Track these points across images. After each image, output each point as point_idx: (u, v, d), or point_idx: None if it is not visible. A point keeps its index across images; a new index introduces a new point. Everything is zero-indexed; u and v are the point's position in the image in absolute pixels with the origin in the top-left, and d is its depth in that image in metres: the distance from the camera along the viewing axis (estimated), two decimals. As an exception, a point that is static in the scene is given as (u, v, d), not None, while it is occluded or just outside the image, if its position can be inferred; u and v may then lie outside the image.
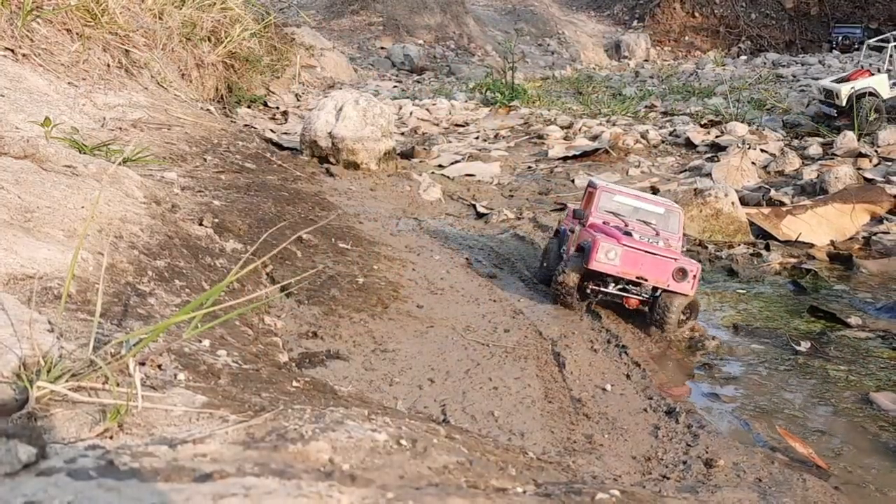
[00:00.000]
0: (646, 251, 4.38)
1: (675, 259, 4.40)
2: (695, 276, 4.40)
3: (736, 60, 19.68)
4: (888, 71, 9.95)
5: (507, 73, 15.07)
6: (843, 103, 9.57)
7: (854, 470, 3.17)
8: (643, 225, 4.72)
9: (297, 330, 3.65)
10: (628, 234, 4.52)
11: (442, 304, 4.39)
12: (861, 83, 9.62)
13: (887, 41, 10.50)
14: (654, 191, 8.39)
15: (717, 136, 10.75)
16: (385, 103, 9.56)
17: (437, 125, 12.19)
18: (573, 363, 3.90)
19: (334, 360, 3.45)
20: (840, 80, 9.92)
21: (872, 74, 9.86)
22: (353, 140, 7.70)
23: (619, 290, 4.51)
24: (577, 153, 10.09)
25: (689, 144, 10.44)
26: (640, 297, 4.51)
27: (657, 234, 4.66)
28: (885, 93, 9.71)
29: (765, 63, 18.57)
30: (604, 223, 4.69)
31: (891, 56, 10.16)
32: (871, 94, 9.52)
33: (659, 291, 4.46)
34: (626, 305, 4.57)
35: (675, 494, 2.64)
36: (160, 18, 7.50)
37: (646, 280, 4.39)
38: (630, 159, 9.87)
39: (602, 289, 4.52)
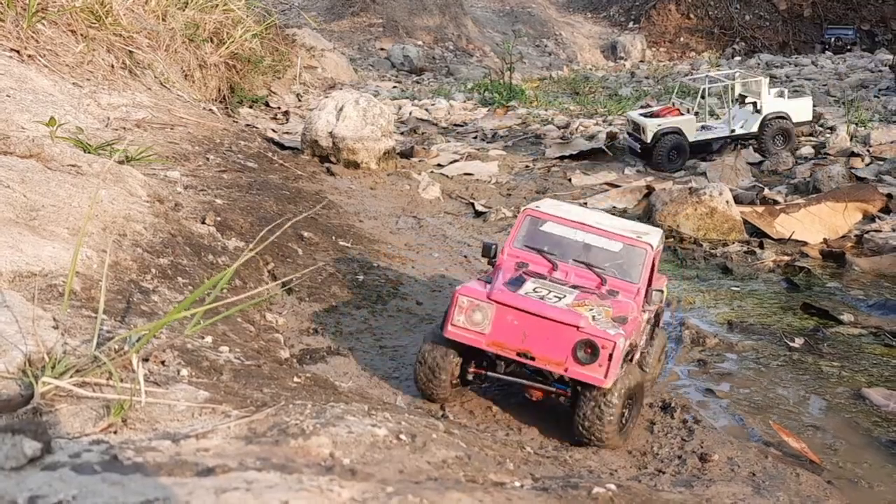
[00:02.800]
0: (532, 313, 2.80)
1: (578, 327, 2.78)
2: (611, 354, 2.73)
3: (730, 61, 19.81)
4: (696, 113, 9.64)
5: (505, 74, 15.12)
6: (648, 140, 9.24)
7: (846, 464, 3.21)
8: (582, 269, 3.12)
9: (298, 326, 3.67)
10: (523, 281, 2.96)
11: (441, 302, 4.41)
12: (668, 122, 9.27)
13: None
14: (651, 190, 8.44)
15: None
16: (385, 103, 9.60)
17: (436, 125, 12.23)
18: (570, 360, 3.92)
19: (335, 356, 3.47)
20: (649, 115, 9.61)
21: (681, 113, 9.52)
22: (354, 140, 7.75)
23: (511, 373, 3.04)
24: (574, 152, 10.15)
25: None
26: (546, 389, 3.00)
27: (600, 285, 3.08)
28: (691, 135, 9.35)
29: (759, 64, 18.69)
30: (517, 265, 3.13)
31: (701, 98, 9.68)
32: (676, 133, 9.18)
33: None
34: (530, 398, 3.10)
35: (670, 488, 2.68)
36: (163, 20, 7.53)
37: (532, 359, 2.85)
38: (626, 158, 9.93)
39: (489, 372, 3.06)
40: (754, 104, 9.75)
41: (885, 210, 7.55)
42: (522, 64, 18.42)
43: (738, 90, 9.93)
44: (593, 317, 2.88)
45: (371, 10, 20.63)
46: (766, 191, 8.37)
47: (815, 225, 7.25)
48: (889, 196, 7.73)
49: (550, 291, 2.96)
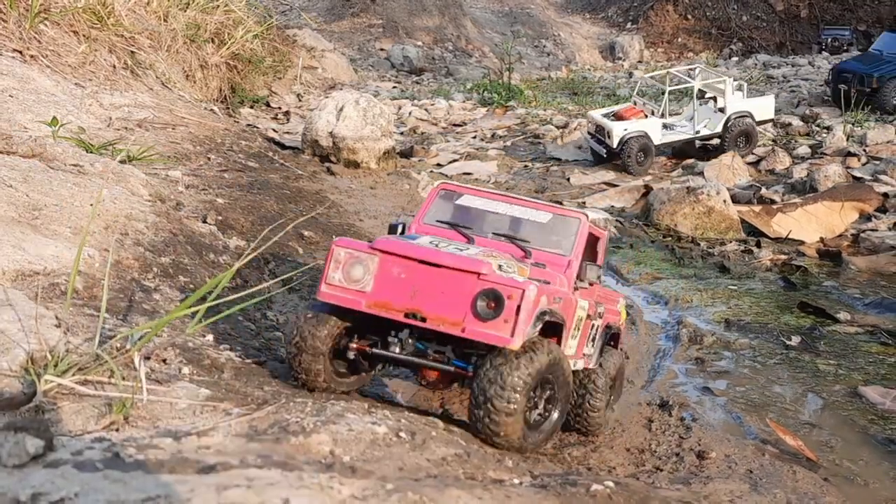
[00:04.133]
0: (424, 261, 2.24)
1: (479, 274, 2.19)
2: (519, 307, 2.13)
3: (728, 62, 19.87)
4: (662, 114, 9.41)
5: (504, 74, 15.15)
6: (615, 145, 9.00)
7: (843, 462, 3.23)
8: (503, 243, 2.63)
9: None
10: (418, 238, 2.46)
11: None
12: (634, 126, 9.06)
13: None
14: (649, 190, 8.47)
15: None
16: (385, 103, 9.64)
17: (436, 125, 12.27)
18: (568, 359, 3.95)
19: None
20: (612, 116, 9.33)
21: (646, 115, 9.28)
22: (354, 139, 7.78)
23: (408, 352, 2.34)
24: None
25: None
26: (441, 367, 2.32)
27: (524, 258, 2.57)
28: (657, 138, 9.20)
29: (756, 64, 18.75)
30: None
31: (667, 101, 9.46)
32: (642, 136, 9.03)
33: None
34: (424, 383, 2.48)
35: (668, 486, 2.70)
36: (165, 20, 7.57)
37: (423, 320, 2.22)
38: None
39: (376, 350, 2.37)
40: (714, 99, 9.55)
41: (882, 209, 7.59)
42: (521, 64, 18.45)
43: (699, 87, 9.74)
44: (500, 266, 2.30)
45: (371, 10, 20.66)
46: (764, 190, 8.41)
47: (811, 224, 7.28)
48: (885, 195, 7.77)
49: (452, 244, 2.42)
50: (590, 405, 2.94)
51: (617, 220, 7.76)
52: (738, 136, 9.43)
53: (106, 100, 5.28)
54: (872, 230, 7.09)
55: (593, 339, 2.92)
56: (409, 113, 12.67)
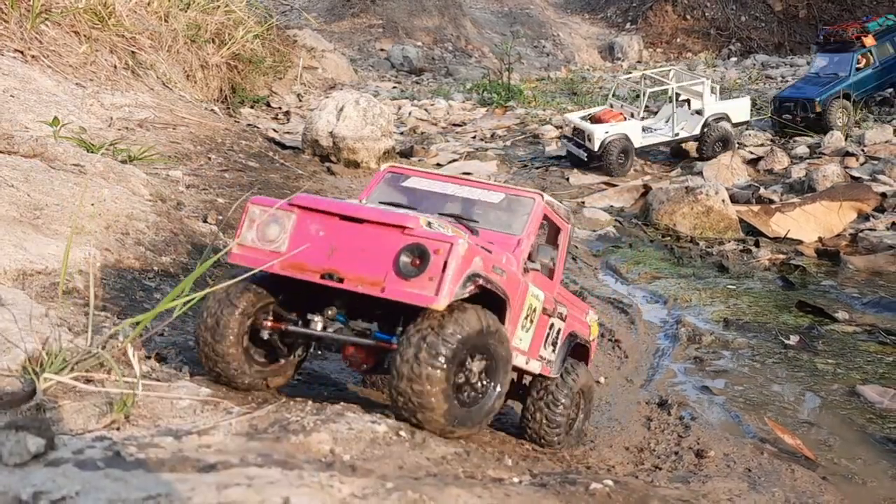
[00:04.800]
0: (345, 215, 2.04)
1: (404, 227, 1.99)
2: (446, 263, 1.91)
3: (726, 62, 19.91)
4: (643, 117, 9.33)
5: (504, 75, 15.18)
6: (596, 147, 8.84)
7: (841, 461, 3.24)
8: (452, 223, 2.36)
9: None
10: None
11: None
12: (615, 128, 8.95)
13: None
14: (648, 189, 8.48)
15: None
16: (384, 104, 9.67)
17: (436, 125, 12.29)
18: (567, 358, 3.96)
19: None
20: (588, 119, 9.19)
21: (625, 118, 9.15)
22: (354, 139, 7.80)
23: (334, 329, 2.11)
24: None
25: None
26: (364, 342, 2.09)
27: (471, 235, 2.32)
28: (637, 141, 9.09)
29: (754, 64, 18.80)
30: None
31: (645, 104, 9.33)
32: (623, 139, 8.93)
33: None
34: (352, 366, 2.20)
35: (667, 484, 2.71)
36: (166, 21, 7.59)
37: (340, 280, 1.98)
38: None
39: (293, 327, 2.12)
40: (688, 102, 9.47)
41: (880, 209, 7.61)
42: (521, 64, 18.48)
43: (676, 89, 9.68)
44: (429, 223, 2.08)
45: (371, 11, 20.68)
46: (762, 190, 8.43)
47: (810, 224, 7.30)
48: (883, 195, 7.80)
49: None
50: (547, 418, 2.65)
51: (616, 220, 7.78)
52: (717, 140, 9.34)
53: (107, 100, 5.29)
54: (870, 230, 7.11)
55: (554, 344, 2.66)
56: (409, 113, 12.69)
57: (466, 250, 1.96)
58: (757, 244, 6.96)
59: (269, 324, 2.15)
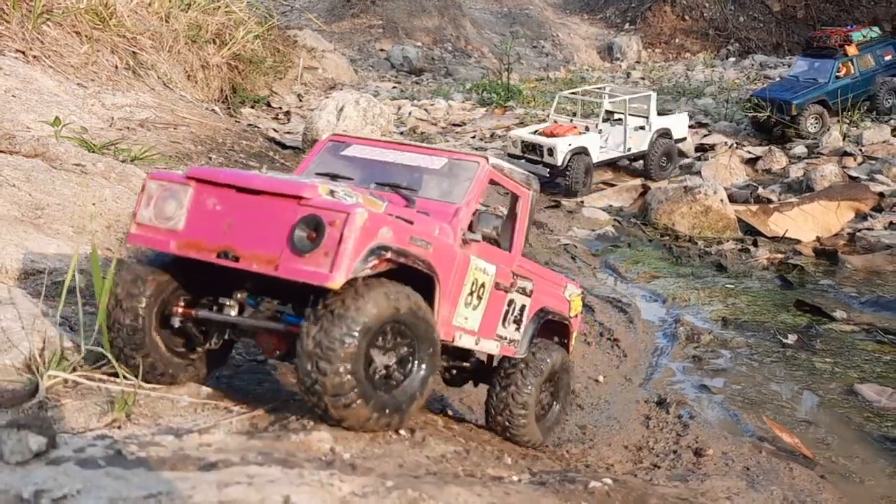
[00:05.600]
0: (241, 187, 1.89)
1: (301, 198, 1.83)
2: (342, 235, 1.76)
3: (725, 62, 19.95)
4: (600, 130, 8.59)
5: (503, 75, 15.18)
6: (559, 162, 8.00)
7: (839, 459, 3.25)
8: (387, 192, 2.24)
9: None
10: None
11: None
12: (577, 141, 8.22)
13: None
14: (647, 189, 8.50)
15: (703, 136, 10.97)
16: (384, 104, 9.67)
17: (435, 125, 12.31)
18: (567, 357, 3.97)
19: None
20: (541, 136, 8.38)
21: (581, 132, 8.45)
22: (354, 140, 7.76)
23: (249, 313, 1.98)
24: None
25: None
26: (269, 326, 1.95)
27: (408, 205, 2.20)
28: (595, 155, 8.42)
29: (753, 64, 18.83)
30: None
31: (603, 118, 8.66)
32: (584, 153, 8.23)
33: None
34: (266, 353, 2.11)
35: (665, 483, 2.72)
36: (167, 21, 7.60)
37: (236, 259, 1.84)
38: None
39: (203, 313, 2.00)
40: (618, 119, 8.82)
41: (878, 208, 7.63)
42: (520, 65, 18.50)
43: (605, 106, 9.00)
44: (332, 191, 1.88)
45: (371, 11, 20.69)
46: (761, 189, 8.45)
47: (808, 223, 7.32)
48: (881, 195, 7.82)
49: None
50: (513, 400, 2.45)
51: (615, 220, 7.80)
52: (662, 156, 8.96)
53: (108, 100, 5.30)
54: (868, 229, 7.13)
55: (517, 322, 2.45)
56: (409, 113, 12.70)
57: (366, 220, 1.76)
58: (755, 244, 6.97)
59: (181, 310, 1.98)
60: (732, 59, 20.35)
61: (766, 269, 6.31)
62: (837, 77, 10.29)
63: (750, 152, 9.82)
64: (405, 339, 1.92)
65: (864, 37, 10.77)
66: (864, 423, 3.59)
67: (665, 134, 9.07)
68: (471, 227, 2.23)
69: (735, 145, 10.06)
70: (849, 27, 11.62)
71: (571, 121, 9.05)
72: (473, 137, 11.59)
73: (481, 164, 2.35)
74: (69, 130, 3.89)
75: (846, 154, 9.34)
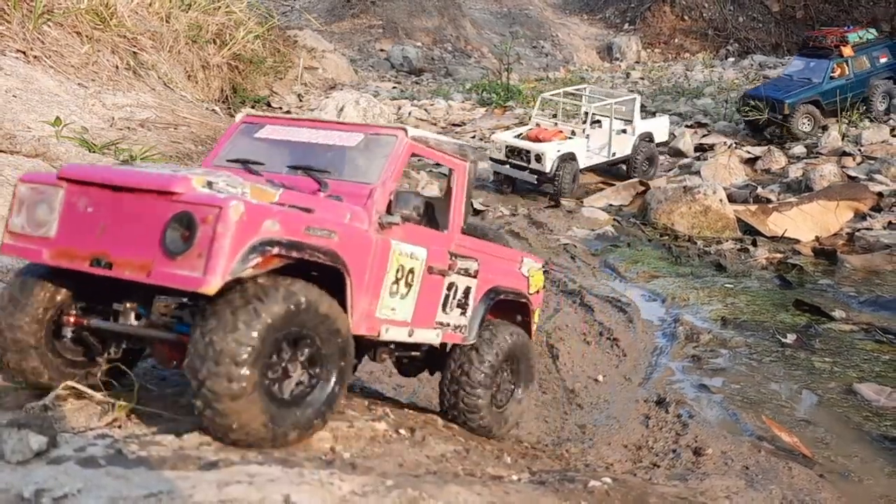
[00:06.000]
0: (114, 185, 1.74)
1: (173, 193, 1.68)
2: (215, 232, 1.61)
3: (724, 62, 19.98)
4: (587, 136, 8.27)
5: (503, 75, 15.19)
6: (548, 168, 7.70)
7: (838, 458, 3.25)
8: (299, 177, 2.10)
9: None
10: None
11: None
12: (565, 146, 7.96)
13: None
14: (646, 188, 8.50)
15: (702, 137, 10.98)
16: (384, 104, 9.71)
17: (435, 125, 12.32)
18: (566, 355, 3.99)
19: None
20: (523, 139, 8.10)
21: (566, 136, 8.19)
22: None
23: (146, 323, 1.82)
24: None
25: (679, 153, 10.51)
26: (167, 337, 1.81)
27: (317, 192, 2.04)
28: (583, 160, 8.14)
29: (752, 65, 18.86)
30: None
31: (593, 123, 8.29)
32: (572, 158, 7.97)
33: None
34: (161, 364, 2.00)
35: (665, 482, 2.72)
36: (167, 21, 7.61)
37: (109, 264, 1.69)
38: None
39: (95, 322, 1.87)
40: (596, 121, 8.45)
41: (877, 208, 7.65)
42: (520, 65, 18.52)
43: (585, 109, 8.72)
44: (209, 183, 1.70)
45: (371, 11, 20.71)
46: (760, 189, 8.47)
47: (807, 223, 7.33)
48: (880, 194, 7.84)
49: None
50: (466, 389, 2.31)
51: (614, 219, 7.81)
52: (644, 160, 8.78)
53: (108, 100, 5.30)
54: (867, 229, 7.14)
55: (462, 306, 2.28)
56: (409, 113, 12.71)
57: (243, 214, 1.58)
58: (754, 243, 6.98)
59: (73, 320, 1.82)
60: (732, 60, 20.37)
61: (766, 268, 6.31)
62: (832, 77, 10.26)
63: (749, 152, 9.83)
64: (307, 344, 1.74)
65: (860, 38, 10.72)
66: (863, 422, 3.60)
67: (648, 138, 8.86)
68: (389, 209, 2.02)
69: (734, 145, 10.07)
70: (846, 28, 11.58)
71: (556, 124, 8.76)
72: (473, 137, 11.60)
73: (399, 137, 2.14)
74: (70, 130, 3.89)
75: (845, 154, 9.35)
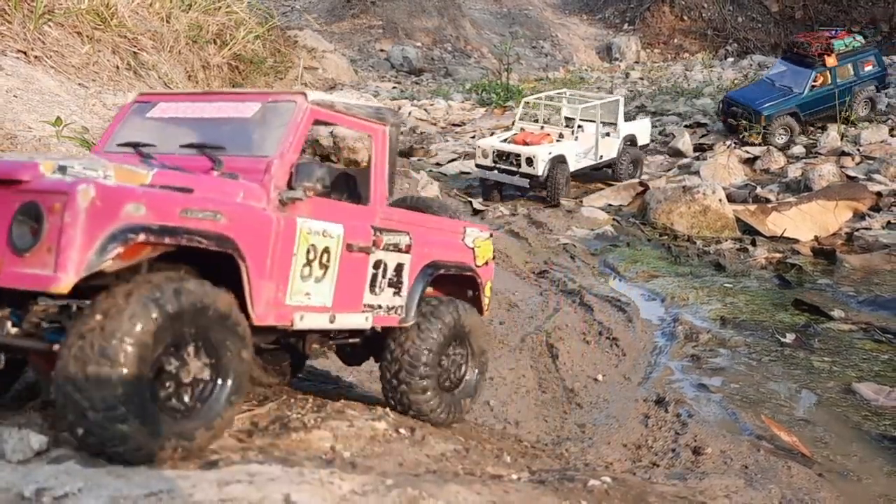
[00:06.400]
0: None
1: (21, 181, 1.52)
2: (64, 220, 1.42)
3: (723, 62, 20.01)
4: (576, 138, 8.13)
5: (503, 75, 15.21)
6: (540, 171, 7.52)
7: (837, 457, 3.26)
8: (193, 156, 1.92)
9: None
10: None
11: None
12: (556, 149, 7.79)
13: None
14: (646, 188, 8.51)
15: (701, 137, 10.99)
16: (384, 104, 9.63)
17: (435, 125, 12.35)
18: (566, 354, 3.99)
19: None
20: (510, 143, 7.89)
21: (553, 139, 8.03)
22: (354, 139, 7.77)
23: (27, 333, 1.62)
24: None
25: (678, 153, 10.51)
26: (39, 347, 1.60)
27: (210, 170, 1.86)
28: (573, 164, 7.95)
29: (751, 65, 18.88)
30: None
31: (579, 126, 8.13)
32: (563, 161, 7.80)
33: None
34: (39, 377, 1.86)
35: (664, 481, 2.73)
36: (167, 21, 7.62)
37: None
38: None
39: None
40: (574, 125, 8.24)
41: (876, 208, 7.66)
42: (519, 65, 18.55)
43: (564, 112, 8.58)
44: (61, 167, 1.53)
45: (371, 11, 20.73)
46: (759, 189, 8.48)
47: (806, 223, 7.34)
48: (879, 194, 7.85)
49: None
50: (407, 374, 2.12)
51: (614, 219, 7.82)
52: (630, 163, 8.69)
53: (109, 100, 5.30)
54: (866, 229, 7.16)
55: (396, 285, 2.09)
56: (409, 113, 12.73)
57: (95, 199, 1.39)
58: (753, 243, 6.99)
59: None
60: (731, 60, 20.40)
61: (765, 268, 6.33)
62: (813, 87, 10.11)
63: (748, 152, 9.85)
64: (200, 346, 1.56)
65: (846, 45, 10.49)
66: (862, 421, 3.60)
67: (631, 140, 8.74)
68: (290, 182, 1.82)
69: (733, 145, 10.08)
70: (832, 33, 11.20)
71: (542, 127, 8.58)
72: (473, 137, 11.62)
73: (298, 103, 1.93)
74: (70, 130, 3.89)
75: (844, 154, 9.37)
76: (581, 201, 8.39)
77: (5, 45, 4.96)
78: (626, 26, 23.62)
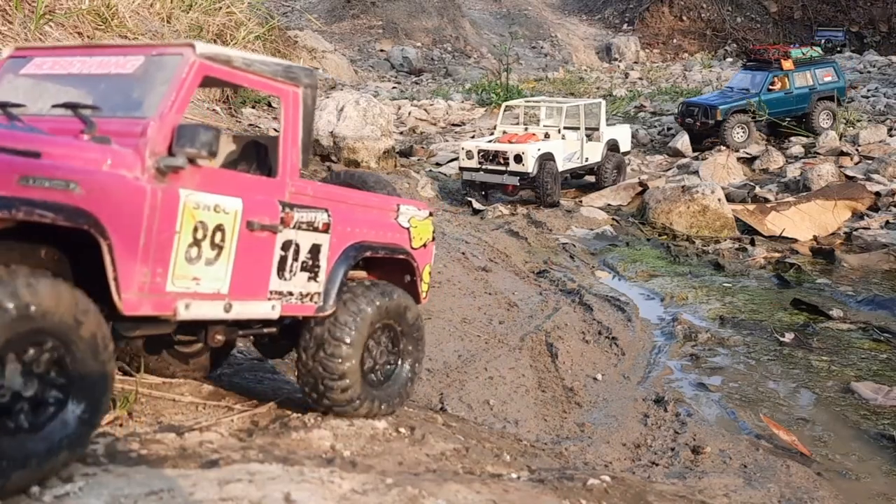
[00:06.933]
0: None
1: None
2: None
3: (722, 62, 20.03)
4: (563, 136, 7.94)
5: (502, 75, 15.22)
6: (530, 169, 7.21)
7: (836, 457, 3.26)
8: (65, 118, 1.67)
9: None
10: None
11: (439, 297, 4.44)
12: (545, 146, 7.59)
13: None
14: (645, 188, 8.51)
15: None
16: (384, 104, 9.72)
17: (435, 125, 12.35)
18: (565, 353, 3.99)
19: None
20: (496, 142, 7.71)
21: (539, 139, 7.84)
22: (354, 139, 7.86)
23: None
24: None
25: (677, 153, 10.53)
26: None
27: (81, 133, 1.61)
28: (560, 164, 7.73)
29: (751, 64, 18.90)
30: None
31: (562, 126, 8.01)
32: (551, 159, 7.60)
33: None
34: None
35: (663, 480, 2.73)
36: (168, 22, 7.62)
37: None
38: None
39: None
40: (544, 128, 8.12)
41: (874, 208, 7.67)
42: (519, 65, 18.57)
43: (543, 121, 8.40)
44: None
45: (371, 12, 20.74)
46: (758, 189, 8.49)
47: (805, 222, 7.36)
48: (877, 194, 7.86)
49: None
50: (325, 369, 1.88)
51: (613, 219, 7.83)
52: (613, 168, 8.59)
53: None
54: (865, 228, 7.17)
55: (312, 269, 1.84)
56: (409, 113, 12.73)
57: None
58: (752, 243, 7.00)
59: None
60: (730, 60, 20.43)
61: (763, 267, 6.33)
62: (770, 89, 10.22)
63: (747, 152, 9.85)
64: (42, 350, 1.35)
65: (803, 54, 10.76)
66: (861, 420, 3.61)
67: (613, 145, 8.65)
68: (171, 148, 1.57)
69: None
70: (792, 46, 11.66)
71: (526, 129, 8.33)
72: (473, 137, 11.63)
73: (184, 56, 1.66)
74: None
75: (843, 154, 9.39)
76: (580, 201, 8.39)
77: (6, 45, 4.96)
78: (625, 26, 23.64)
